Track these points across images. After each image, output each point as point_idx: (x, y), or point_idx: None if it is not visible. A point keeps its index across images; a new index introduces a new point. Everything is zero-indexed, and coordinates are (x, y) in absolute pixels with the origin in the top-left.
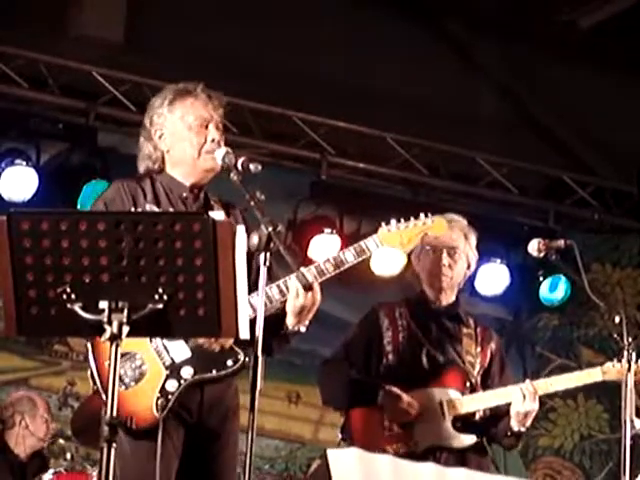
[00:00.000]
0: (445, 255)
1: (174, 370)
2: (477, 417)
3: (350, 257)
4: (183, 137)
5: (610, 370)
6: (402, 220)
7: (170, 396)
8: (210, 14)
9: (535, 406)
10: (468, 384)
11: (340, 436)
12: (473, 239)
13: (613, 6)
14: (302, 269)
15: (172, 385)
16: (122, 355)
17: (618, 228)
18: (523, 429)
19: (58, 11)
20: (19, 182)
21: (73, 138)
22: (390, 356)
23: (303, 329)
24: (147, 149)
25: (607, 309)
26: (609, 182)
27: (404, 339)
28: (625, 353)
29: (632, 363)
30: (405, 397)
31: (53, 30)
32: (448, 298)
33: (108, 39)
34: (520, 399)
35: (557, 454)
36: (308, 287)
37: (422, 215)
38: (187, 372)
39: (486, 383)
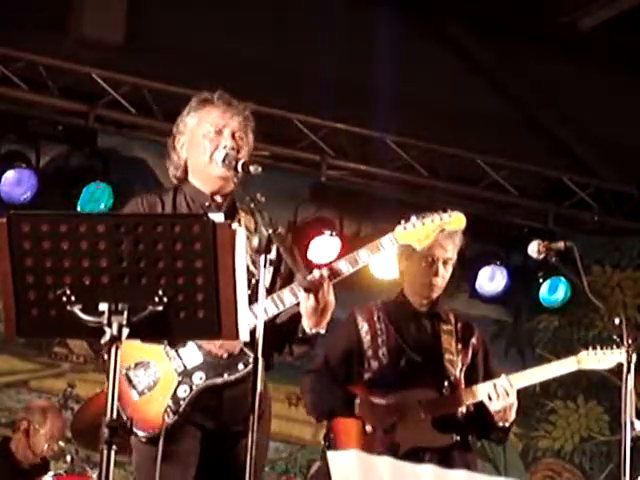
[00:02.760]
0: (441, 267)
1: (186, 376)
2: (460, 415)
3: (364, 255)
4: (198, 145)
5: (584, 359)
6: (419, 218)
7: (182, 402)
8: (210, 16)
9: (511, 400)
10: (446, 383)
11: (323, 443)
12: (458, 243)
13: (614, 7)
14: (315, 270)
15: (183, 391)
16: (136, 364)
17: (618, 230)
18: (507, 424)
19: (58, 13)
20: (19, 184)
21: (73, 140)
22: (371, 361)
23: (322, 330)
24: (173, 157)
25: (607, 311)
26: (609, 184)
27: (383, 343)
28: (625, 355)
29: (632, 365)
30: (380, 403)
31: (53, 32)
32: (431, 301)
33: (108, 41)
34: (494, 395)
35: (557, 456)
36: (308, 290)
37: (441, 211)
38: (198, 377)
39: (471, 378)
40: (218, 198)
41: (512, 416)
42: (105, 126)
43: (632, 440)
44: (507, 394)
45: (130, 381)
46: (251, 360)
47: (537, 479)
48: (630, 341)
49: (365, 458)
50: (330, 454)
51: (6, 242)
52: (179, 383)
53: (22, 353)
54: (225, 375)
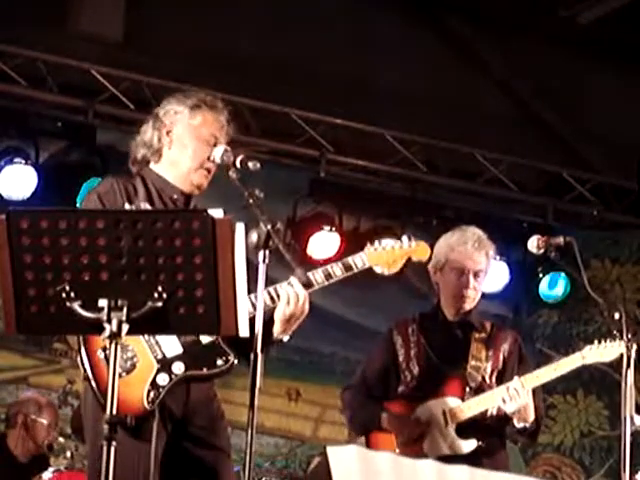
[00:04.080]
0: (472, 279)
1: (165, 364)
2: (489, 419)
3: (338, 272)
4: (189, 144)
5: (588, 354)
6: (389, 241)
7: (161, 389)
8: (209, 12)
9: (524, 401)
10: (468, 389)
11: None
12: (492, 253)
13: (613, 1)
14: (291, 278)
15: (163, 379)
16: None
17: (617, 224)
18: (527, 425)
19: (57, 9)
20: (18, 180)
21: (72, 136)
22: (406, 373)
23: (286, 338)
24: (150, 136)
25: (607, 306)
26: (608, 178)
27: (414, 355)
28: (624, 349)
29: (632, 360)
30: (407, 415)
31: (52, 28)
32: (464, 312)
33: (107, 37)
34: (507, 398)
35: (557, 451)
36: (308, 285)
37: (405, 238)
38: (178, 367)
39: (502, 382)
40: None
41: (530, 416)
42: (104, 122)
43: (632, 435)
44: (519, 395)
45: (108, 361)
46: (230, 358)
47: (537, 474)
48: (630, 336)
49: (365, 453)
50: (330, 449)
51: (5, 238)
52: (158, 370)
53: (22, 349)
54: (204, 369)
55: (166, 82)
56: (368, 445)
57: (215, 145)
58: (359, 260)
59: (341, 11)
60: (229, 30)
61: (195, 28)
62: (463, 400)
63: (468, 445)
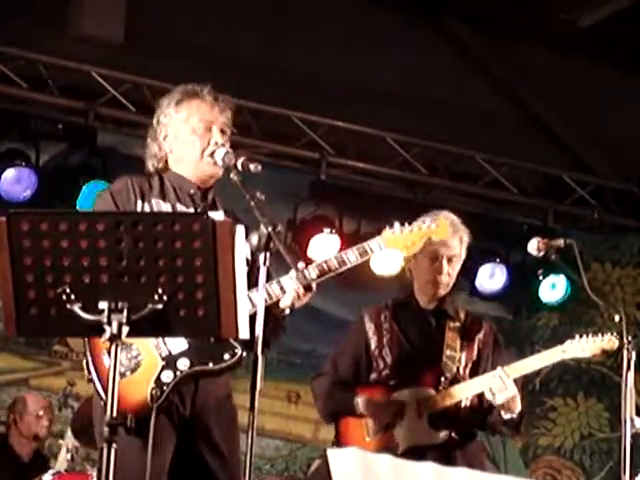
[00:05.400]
0: (445, 264)
1: (170, 361)
2: (463, 410)
3: (353, 257)
4: (186, 140)
5: (569, 348)
6: (406, 224)
7: (165, 387)
8: (209, 14)
9: (511, 391)
10: (443, 379)
11: (332, 446)
12: (466, 239)
13: (613, 5)
14: (311, 267)
15: (167, 376)
16: None
17: (618, 227)
18: (514, 415)
19: (57, 11)
20: (19, 182)
21: (72, 138)
22: (378, 361)
23: (288, 311)
24: (153, 149)
25: (607, 308)
26: (609, 181)
27: (387, 342)
28: (625, 352)
29: (632, 362)
30: (381, 402)
31: (52, 30)
32: (438, 298)
33: (107, 39)
34: (495, 388)
35: (557, 453)
36: (308, 287)
37: (427, 219)
38: (183, 364)
39: (477, 373)
40: (202, 188)
41: (517, 407)
42: (105, 124)
43: (632, 437)
44: (506, 386)
45: None
46: (237, 351)
47: (537, 476)
48: (630, 338)
49: (365, 456)
50: (330, 452)
51: (6, 241)
52: (163, 368)
53: (22, 351)
54: (210, 364)
55: (167, 84)
56: (337, 432)
57: (210, 129)
58: (375, 245)
59: (341, 12)
60: (229, 32)
61: (196, 30)
62: (438, 390)
63: (440, 436)
